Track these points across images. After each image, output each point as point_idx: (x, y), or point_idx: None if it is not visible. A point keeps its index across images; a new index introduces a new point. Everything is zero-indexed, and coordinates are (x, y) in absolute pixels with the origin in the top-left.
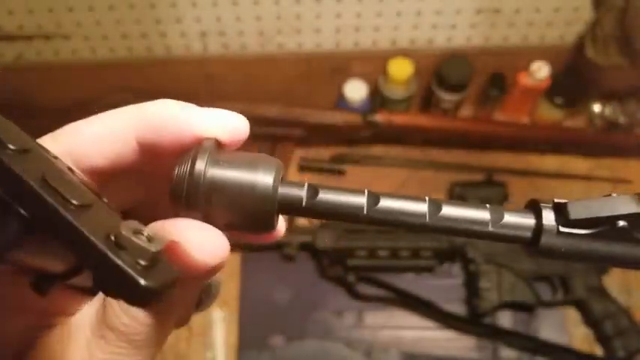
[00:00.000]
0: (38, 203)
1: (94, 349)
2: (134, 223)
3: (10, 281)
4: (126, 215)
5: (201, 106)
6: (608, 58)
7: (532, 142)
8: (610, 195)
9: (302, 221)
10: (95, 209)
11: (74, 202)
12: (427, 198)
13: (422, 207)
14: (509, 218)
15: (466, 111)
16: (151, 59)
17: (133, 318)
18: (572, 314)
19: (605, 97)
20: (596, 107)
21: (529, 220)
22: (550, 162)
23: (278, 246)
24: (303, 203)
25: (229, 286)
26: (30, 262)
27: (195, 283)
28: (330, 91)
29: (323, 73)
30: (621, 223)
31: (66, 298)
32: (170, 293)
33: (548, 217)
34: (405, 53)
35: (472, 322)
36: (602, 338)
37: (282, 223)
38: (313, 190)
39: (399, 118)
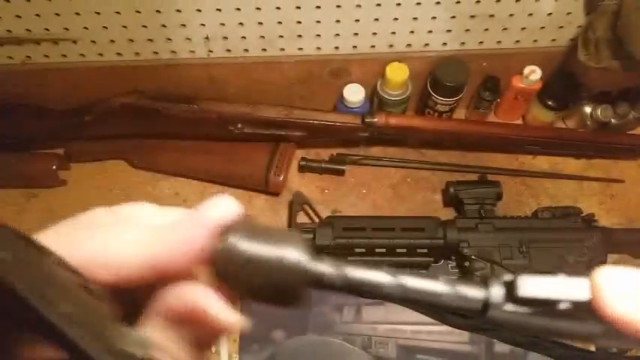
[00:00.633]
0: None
1: None
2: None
3: None
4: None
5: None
6: (599, 61)
7: (525, 143)
8: (564, 275)
9: (303, 219)
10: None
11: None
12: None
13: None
14: (462, 289)
15: (461, 113)
16: (157, 62)
17: None
18: None
19: (597, 100)
20: (588, 109)
21: (479, 293)
22: (543, 162)
23: None
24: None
25: None
26: None
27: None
28: (330, 93)
29: (323, 76)
30: (566, 305)
31: None
32: None
33: (497, 293)
34: (401, 57)
35: (466, 316)
36: None
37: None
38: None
39: (396, 120)
